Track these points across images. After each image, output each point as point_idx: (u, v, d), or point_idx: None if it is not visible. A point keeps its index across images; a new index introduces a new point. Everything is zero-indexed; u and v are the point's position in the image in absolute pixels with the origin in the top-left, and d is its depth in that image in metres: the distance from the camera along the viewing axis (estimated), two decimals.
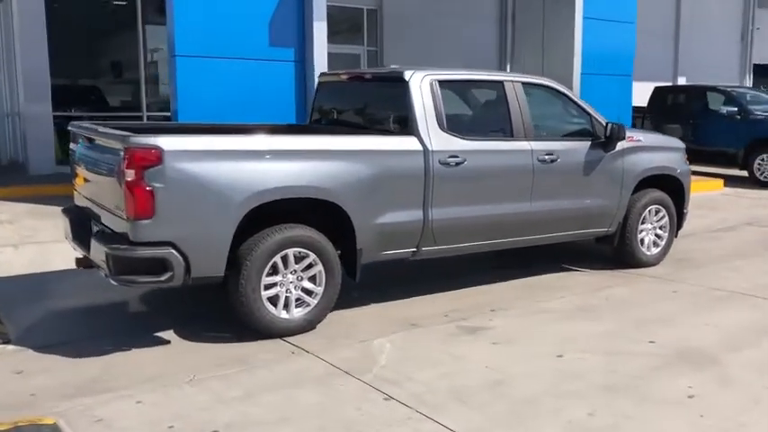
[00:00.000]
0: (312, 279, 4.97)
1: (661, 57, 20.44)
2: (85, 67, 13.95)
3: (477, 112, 5.99)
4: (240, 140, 4.88)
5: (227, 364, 4.41)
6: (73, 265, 6.72)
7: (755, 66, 24.03)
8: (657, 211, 6.99)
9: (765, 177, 13.25)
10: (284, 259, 4.83)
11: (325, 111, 6.54)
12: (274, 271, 4.81)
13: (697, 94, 14.54)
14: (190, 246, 4.47)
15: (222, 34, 9.26)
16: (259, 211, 4.70)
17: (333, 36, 10.81)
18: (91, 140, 4.92)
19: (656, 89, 15.35)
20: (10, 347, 4.72)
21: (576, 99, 6.47)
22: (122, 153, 4.34)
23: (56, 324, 5.27)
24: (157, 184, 4.34)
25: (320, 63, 9.72)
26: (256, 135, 5.20)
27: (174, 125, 6.10)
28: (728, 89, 14.43)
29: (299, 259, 4.89)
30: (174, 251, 4.42)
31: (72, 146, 5.57)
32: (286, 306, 4.89)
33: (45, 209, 9.78)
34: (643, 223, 6.88)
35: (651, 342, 4.75)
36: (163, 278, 4.43)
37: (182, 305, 5.59)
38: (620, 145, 6.50)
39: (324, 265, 4.97)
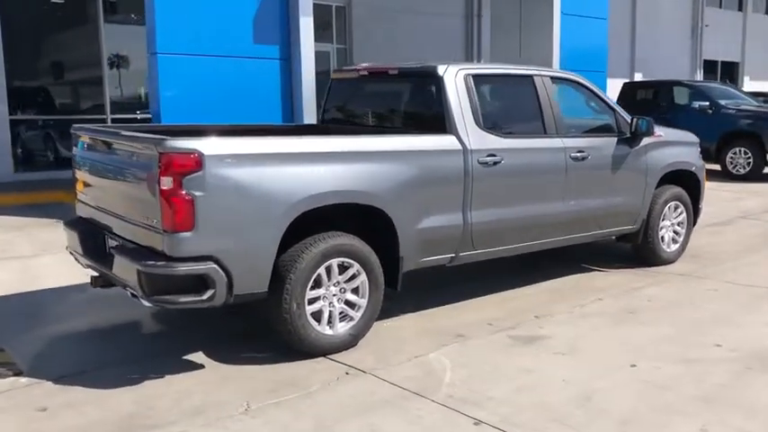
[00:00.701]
0: (355, 291, 4.59)
1: (618, 54, 20.67)
2: (43, 68, 13.11)
3: (509, 108, 5.71)
4: (284, 142, 4.46)
5: (280, 388, 3.99)
6: (68, 282, 6.24)
7: (705, 61, 24.65)
8: (676, 208, 6.85)
9: (737, 171, 13.45)
10: (328, 270, 4.44)
11: (340, 109, 6.15)
12: (317, 284, 4.41)
13: (667, 89, 14.67)
14: (233, 259, 4.03)
15: (205, 31, 8.76)
16: (302, 219, 4.29)
17: None
18: (109, 145, 4.40)
19: (626, 84, 15.45)
20: (23, 380, 4.18)
21: (600, 93, 6.26)
22: (157, 158, 3.87)
23: (67, 350, 4.74)
24: (197, 193, 3.89)
25: (307, 61, 9.31)
26: (298, 136, 4.78)
27: (190, 127, 5.59)
28: (699, 84, 14.62)
29: (342, 270, 4.51)
30: (216, 266, 3.98)
31: (76, 151, 5.03)
32: (329, 321, 4.50)
33: (10, 220, 9.08)
34: (663, 220, 6.73)
35: (718, 345, 4.55)
36: (204, 297, 3.98)
37: (200, 323, 5.11)
38: (644, 141, 6.32)
39: (367, 275, 4.60)
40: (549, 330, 4.91)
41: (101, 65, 12.63)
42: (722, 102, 13.70)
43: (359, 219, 4.69)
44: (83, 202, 5.02)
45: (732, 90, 14.94)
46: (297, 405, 3.78)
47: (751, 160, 13.28)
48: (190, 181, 3.87)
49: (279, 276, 4.24)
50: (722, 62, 25.52)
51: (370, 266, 4.60)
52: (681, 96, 14.34)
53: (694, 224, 7.20)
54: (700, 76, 24.11)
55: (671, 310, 5.36)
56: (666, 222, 6.78)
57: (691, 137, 7.13)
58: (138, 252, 4.11)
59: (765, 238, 8.07)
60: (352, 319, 4.59)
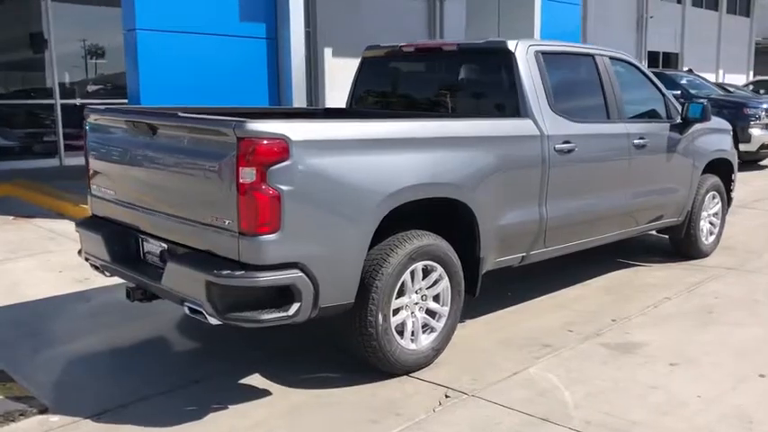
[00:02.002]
0: (436, 298, 3.99)
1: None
2: None
3: (576, 90, 5.17)
4: (380, 127, 3.78)
5: (381, 419, 3.36)
6: (56, 290, 5.35)
7: (649, 53, 25.00)
8: (713, 198, 6.53)
9: None
10: (412, 276, 3.82)
11: (376, 92, 5.48)
12: (400, 292, 3.78)
13: None
14: (320, 266, 3.35)
15: (188, 7, 7.88)
16: (386, 216, 3.65)
17: None
18: (153, 129, 3.61)
19: None
20: (54, 418, 3.38)
21: (651, 75, 5.84)
22: (234, 145, 3.14)
23: (92, 377, 3.93)
24: (284, 187, 3.19)
25: (297, 41, 8.55)
26: (384, 120, 4.13)
27: (219, 110, 4.79)
28: (670, 73, 14.60)
29: (424, 275, 3.90)
30: (302, 274, 3.29)
31: (90, 137, 4.20)
32: (412, 334, 3.89)
33: None
34: (703, 211, 6.40)
35: None
36: (290, 312, 3.29)
37: (238, 337, 4.38)
38: (692, 128, 5.95)
39: (450, 279, 4.00)
40: (639, 336, 4.43)
41: (48, 46, 11.41)
42: (693, 91, 13.69)
43: (434, 215, 4.08)
44: (101, 198, 4.18)
45: (699, 80, 14.99)
46: None
47: None
48: (275, 172, 3.16)
49: (363, 284, 3.59)
50: (663, 53, 25.96)
51: (454, 270, 4.01)
52: None
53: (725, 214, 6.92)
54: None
55: (748, 308, 4.99)
56: (704, 213, 6.45)
57: (725, 123, 6.81)
58: (203, 259, 3.37)
59: None
60: (433, 330, 3.99)
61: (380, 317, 3.63)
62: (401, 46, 5.24)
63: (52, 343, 4.37)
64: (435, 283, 3.95)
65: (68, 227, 7.64)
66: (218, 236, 3.31)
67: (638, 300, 5.21)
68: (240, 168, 3.14)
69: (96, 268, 4.15)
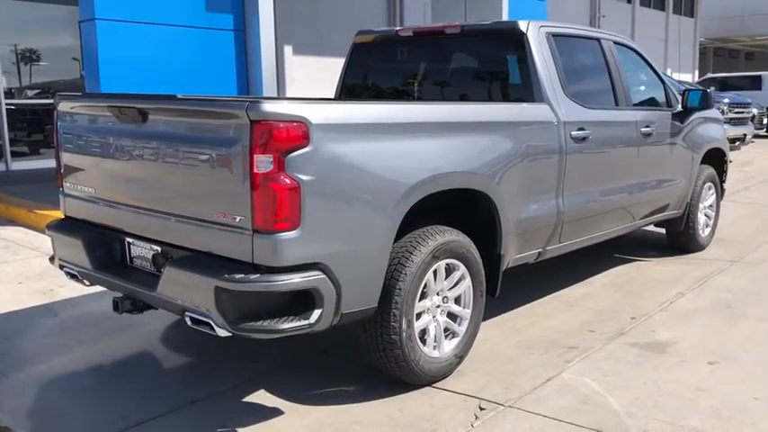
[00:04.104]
0: (457, 300, 3.63)
1: None
2: None
3: (586, 75, 4.87)
4: (399, 109, 3.40)
5: None
6: (14, 304, 4.80)
7: None
8: (709, 189, 6.36)
9: None
10: (434, 276, 3.45)
11: (369, 79, 5.09)
12: (422, 294, 3.41)
13: None
14: (342, 267, 2.95)
15: None
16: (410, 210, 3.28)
17: None
18: (143, 115, 3.14)
19: None
20: None
21: (651, 62, 5.61)
22: (247, 129, 2.72)
23: (74, 401, 3.42)
24: (304, 176, 2.78)
25: (266, 32, 8.10)
26: (409, 103, 3.76)
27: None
28: None
29: (447, 274, 3.54)
30: (324, 277, 2.89)
31: (68, 128, 3.69)
32: (434, 340, 3.52)
33: None
34: (700, 203, 6.21)
35: None
36: (312, 320, 2.88)
37: (227, 349, 3.94)
38: (691, 116, 5.75)
39: (472, 279, 3.65)
40: (665, 334, 4.16)
41: None
42: None
43: (449, 209, 3.73)
44: (77, 198, 3.68)
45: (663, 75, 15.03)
46: None
47: None
48: (294, 160, 2.76)
49: (385, 286, 3.21)
50: None
51: (477, 268, 3.66)
52: None
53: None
54: None
55: (764, 302, 4.78)
56: (701, 205, 6.27)
57: (716, 113, 6.65)
58: (208, 262, 2.93)
59: (759, 218, 7.78)
60: (455, 335, 3.63)
61: (404, 322, 3.25)
62: (396, 30, 4.87)
63: (22, 364, 3.85)
64: (457, 283, 3.59)
65: (23, 235, 7.04)
66: (226, 235, 2.88)
67: (650, 296, 4.96)
68: (254, 156, 2.72)
69: (73, 277, 3.65)
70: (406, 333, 3.27)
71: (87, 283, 3.62)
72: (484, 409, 3.23)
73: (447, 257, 3.46)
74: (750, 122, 16.07)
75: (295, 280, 2.81)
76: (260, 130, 2.71)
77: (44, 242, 6.74)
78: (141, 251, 3.33)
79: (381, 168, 3.07)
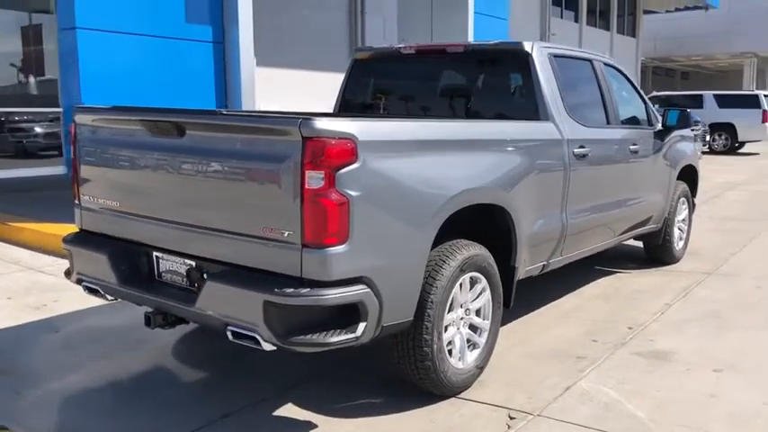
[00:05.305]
0: (477, 312, 3.73)
1: None
2: None
3: (581, 94, 5.05)
4: (434, 127, 3.49)
5: None
6: (16, 321, 4.68)
7: None
8: (683, 203, 6.65)
9: None
10: (460, 288, 3.54)
11: (369, 95, 5.17)
12: (450, 306, 3.50)
13: None
14: (384, 280, 3.01)
15: (131, 7, 7.27)
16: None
17: None
18: (181, 130, 3.14)
19: None
20: None
21: (634, 82, 5.86)
22: (299, 146, 2.76)
23: (99, 419, 3.36)
24: (352, 192, 2.84)
25: (246, 45, 8.11)
26: (444, 121, 3.86)
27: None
28: None
29: (470, 287, 3.63)
30: (369, 290, 2.95)
31: (89, 141, 3.63)
32: (459, 351, 3.60)
33: None
34: (676, 217, 6.49)
35: None
36: (358, 333, 2.93)
37: (240, 364, 3.95)
38: (670, 134, 6.02)
39: (491, 291, 3.76)
40: (665, 344, 4.34)
41: None
42: None
43: (469, 222, 3.83)
44: (97, 211, 3.63)
45: None
46: None
47: None
48: (343, 176, 2.81)
49: (419, 299, 3.28)
50: None
51: (495, 281, 3.77)
52: None
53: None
54: None
55: (753, 311, 5.02)
56: (676, 219, 6.55)
57: (689, 131, 6.96)
58: (254, 277, 2.94)
59: (726, 232, 8.16)
60: (476, 346, 3.72)
61: (436, 334, 3.33)
62: (398, 47, 4.97)
63: (34, 381, 3.76)
64: (479, 295, 3.69)
65: (2, 249, 6.83)
66: (272, 249, 2.90)
67: (639, 307, 5.16)
68: (306, 172, 2.76)
69: (93, 291, 3.59)
70: (436, 345, 3.35)
71: (110, 297, 3.57)
72: (514, 418, 3.33)
73: (471, 271, 3.56)
74: (699, 140, 16.81)
75: (343, 294, 2.85)
76: (312, 147, 2.76)
77: (24, 255, 6.57)
78: (172, 265, 3.32)
79: (420, 183, 3.16)
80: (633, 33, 32.84)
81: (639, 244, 6.58)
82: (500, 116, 4.57)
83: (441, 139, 3.35)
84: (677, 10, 33.89)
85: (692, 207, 6.88)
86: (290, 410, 3.43)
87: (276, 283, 2.86)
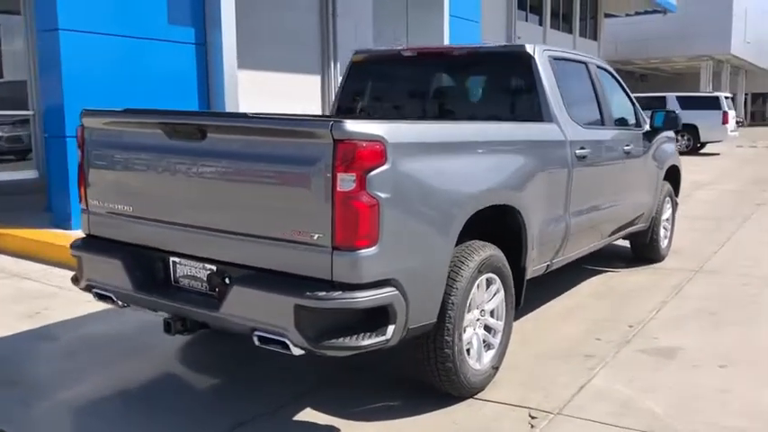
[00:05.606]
0: (491, 313, 3.75)
1: None
2: None
3: (579, 96, 5.09)
4: (458, 129, 3.52)
5: None
6: (10, 330, 4.55)
7: None
8: (667, 203, 6.79)
9: None
10: (477, 289, 3.56)
11: (367, 97, 5.16)
12: (468, 307, 3.51)
13: None
14: (411, 282, 3.01)
15: (113, 7, 7.15)
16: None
17: None
18: (202, 132, 3.09)
19: None
20: None
21: (623, 84, 5.96)
22: (330, 148, 2.74)
23: (115, 430, 3.29)
24: (382, 194, 2.83)
25: (229, 47, 8.03)
26: (465, 123, 3.87)
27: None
28: None
29: (486, 288, 3.65)
30: (398, 292, 2.94)
31: (99, 144, 3.55)
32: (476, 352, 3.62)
33: None
34: (662, 216, 6.62)
35: None
36: (388, 336, 2.92)
37: (246, 370, 3.91)
38: (657, 135, 6.15)
39: (505, 291, 3.78)
40: (667, 341, 4.42)
41: None
42: None
43: (481, 224, 3.85)
44: (107, 216, 3.55)
45: None
46: None
47: None
48: (373, 179, 2.80)
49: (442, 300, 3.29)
50: None
51: (509, 282, 3.79)
52: None
53: None
54: None
55: (744, 308, 5.15)
56: (661, 218, 6.68)
57: (671, 132, 7.11)
58: (279, 280, 2.91)
59: (703, 231, 8.33)
60: (491, 347, 3.74)
61: (457, 335, 3.34)
62: (399, 50, 4.98)
63: (43, 391, 3.66)
64: (493, 296, 3.71)
65: None
66: (302, 252, 2.87)
67: (635, 305, 5.24)
68: (338, 174, 2.75)
69: (104, 298, 3.51)
70: (457, 347, 3.36)
71: (121, 303, 3.48)
72: (535, 417, 3.35)
73: (488, 272, 3.58)
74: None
75: (374, 296, 2.84)
76: (343, 149, 2.74)
77: (6, 262, 6.39)
78: (191, 270, 3.26)
79: (445, 184, 3.17)
80: (595, 36, 33.43)
81: (623, 242, 6.70)
82: (502, 119, 4.60)
83: (463, 141, 3.38)
84: (637, 14, 34.71)
85: (675, 206, 7.03)
86: (309, 415, 3.39)
87: (307, 286, 2.83)
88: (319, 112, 11.92)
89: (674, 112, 5.99)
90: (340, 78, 15.90)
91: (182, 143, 3.17)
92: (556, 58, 4.69)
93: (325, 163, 2.76)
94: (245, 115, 3.01)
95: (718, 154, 21.35)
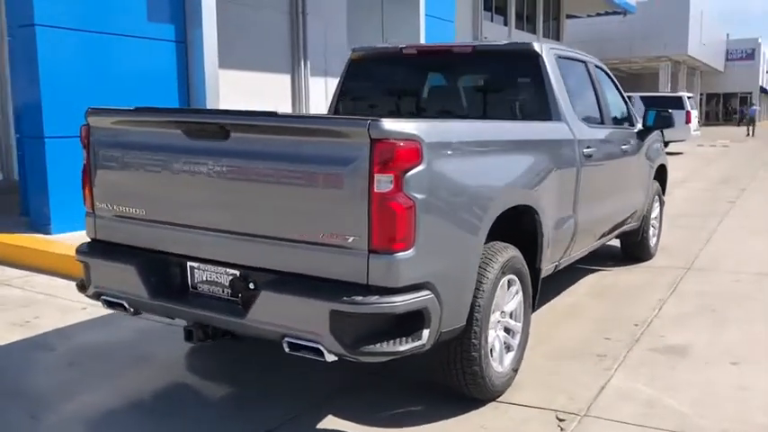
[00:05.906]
0: (511, 314, 3.70)
1: None
2: None
3: (582, 95, 5.07)
4: (489, 128, 3.45)
5: None
6: (2, 340, 4.31)
7: None
8: (656, 201, 6.84)
9: None
10: (499, 291, 3.50)
11: (367, 96, 5.06)
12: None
13: None
14: (445, 285, 2.94)
15: (91, 3, 6.92)
16: None
17: None
18: (225, 132, 2.95)
19: None
20: None
21: (617, 83, 5.98)
22: (367, 148, 2.65)
23: None
24: (418, 195, 2.75)
25: (210, 45, 7.85)
26: (495, 122, 3.84)
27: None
28: None
29: (507, 289, 3.60)
30: (433, 296, 2.86)
31: (108, 144, 3.38)
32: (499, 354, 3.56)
33: None
34: (651, 214, 6.67)
35: None
36: (424, 340, 2.84)
37: (259, 378, 3.79)
38: (650, 134, 6.19)
39: (523, 293, 3.74)
40: (675, 339, 4.43)
41: None
42: None
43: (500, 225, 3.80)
44: (117, 220, 3.39)
45: None
46: None
47: None
48: (410, 179, 2.72)
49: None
50: None
51: (527, 283, 3.75)
52: None
53: None
54: None
55: (742, 304, 5.20)
56: (651, 216, 6.73)
57: (659, 132, 7.17)
58: (311, 285, 2.81)
59: (686, 228, 8.43)
60: (510, 349, 3.69)
61: (483, 338, 3.28)
62: (401, 47, 4.89)
63: (49, 404, 3.48)
64: (513, 298, 3.66)
65: None
66: (335, 256, 2.77)
67: (635, 303, 5.26)
68: (375, 175, 2.65)
69: (115, 305, 3.35)
70: (483, 350, 3.30)
71: (132, 311, 3.33)
72: (563, 420, 3.31)
73: (510, 273, 3.53)
74: None
75: (411, 300, 2.76)
76: (381, 149, 2.65)
77: None
78: (210, 275, 3.13)
79: (475, 184, 3.11)
80: (558, 37, 33.82)
81: (612, 241, 6.73)
82: (511, 116, 4.56)
83: (493, 140, 3.32)
84: (598, 15, 35.22)
85: (662, 204, 7.09)
86: (333, 422, 3.30)
87: (341, 290, 2.73)
88: (290, 112, 11.78)
89: (667, 111, 6.02)
90: (310, 78, 15.68)
91: (202, 143, 3.03)
92: (560, 57, 4.67)
93: (362, 163, 2.67)
94: (274, 114, 2.88)
95: (682, 153, 21.76)
